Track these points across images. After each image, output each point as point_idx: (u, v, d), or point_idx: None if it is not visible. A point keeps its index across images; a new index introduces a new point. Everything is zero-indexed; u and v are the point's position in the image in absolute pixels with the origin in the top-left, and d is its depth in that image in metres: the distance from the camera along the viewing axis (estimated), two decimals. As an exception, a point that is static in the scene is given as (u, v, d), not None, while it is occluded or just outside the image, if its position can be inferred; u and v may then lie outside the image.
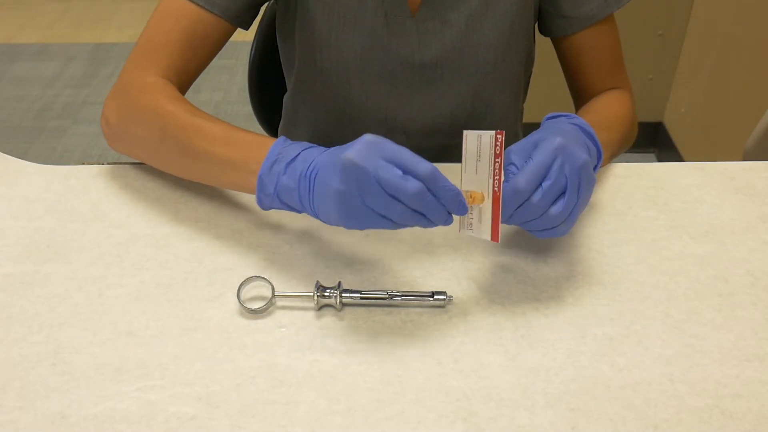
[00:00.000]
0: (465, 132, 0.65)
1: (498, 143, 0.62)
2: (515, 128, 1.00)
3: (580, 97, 0.98)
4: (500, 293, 0.70)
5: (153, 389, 0.60)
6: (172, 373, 0.61)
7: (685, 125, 2.23)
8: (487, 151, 0.63)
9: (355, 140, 0.62)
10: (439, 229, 0.77)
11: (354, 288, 0.68)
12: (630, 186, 0.85)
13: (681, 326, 0.67)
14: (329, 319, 0.67)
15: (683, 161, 1.75)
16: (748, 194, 0.84)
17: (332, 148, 0.65)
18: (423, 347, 0.64)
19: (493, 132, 0.62)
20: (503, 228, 0.78)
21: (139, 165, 0.86)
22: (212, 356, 0.63)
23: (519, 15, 0.88)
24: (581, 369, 0.62)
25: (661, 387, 0.61)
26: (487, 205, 0.63)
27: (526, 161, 0.65)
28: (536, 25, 0.95)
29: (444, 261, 0.73)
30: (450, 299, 0.67)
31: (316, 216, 0.65)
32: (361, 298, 0.67)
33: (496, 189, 0.63)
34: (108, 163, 0.87)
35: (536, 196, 0.63)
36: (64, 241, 0.75)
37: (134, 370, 0.62)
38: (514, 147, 0.67)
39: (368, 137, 0.61)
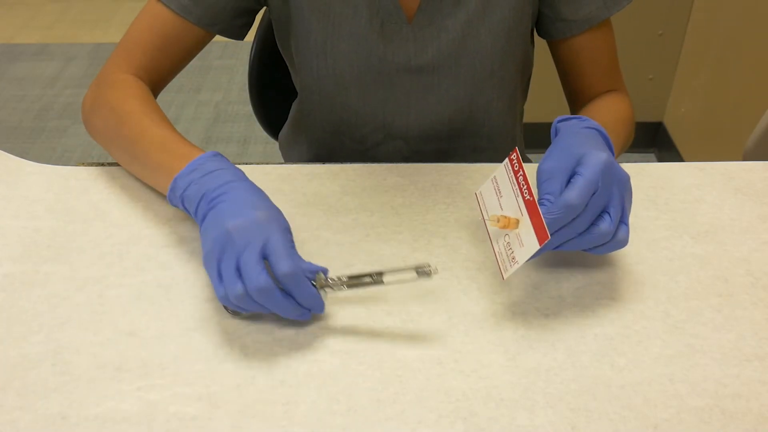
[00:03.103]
0: (477, 193, 0.70)
1: (514, 161, 0.65)
2: (513, 132, 1.00)
3: (577, 99, 0.98)
4: (500, 293, 0.70)
5: (153, 389, 0.60)
6: (172, 373, 0.61)
7: (685, 125, 2.23)
8: (507, 178, 0.66)
9: (255, 205, 0.65)
10: (439, 230, 0.77)
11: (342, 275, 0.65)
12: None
13: (681, 326, 0.67)
14: (329, 319, 0.67)
15: (683, 161, 1.75)
16: (748, 194, 0.84)
17: (240, 189, 0.67)
18: (423, 347, 0.64)
19: (506, 160, 0.66)
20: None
21: (140, 165, 0.86)
22: (213, 356, 0.63)
23: (516, 20, 0.88)
24: (581, 369, 0.62)
25: (661, 387, 0.61)
26: (525, 221, 0.63)
27: (572, 176, 0.64)
28: (534, 28, 0.95)
29: (444, 261, 0.73)
30: (435, 270, 0.63)
31: None
32: (348, 282, 0.64)
33: (527, 197, 0.63)
34: (108, 164, 0.87)
35: (584, 213, 0.63)
36: (65, 241, 0.75)
37: (135, 370, 0.62)
38: (548, 165, 0.65)
39: (260, 215, 0.64)
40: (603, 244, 0.66)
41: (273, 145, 1.26)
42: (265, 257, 0.62)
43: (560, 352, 0.64)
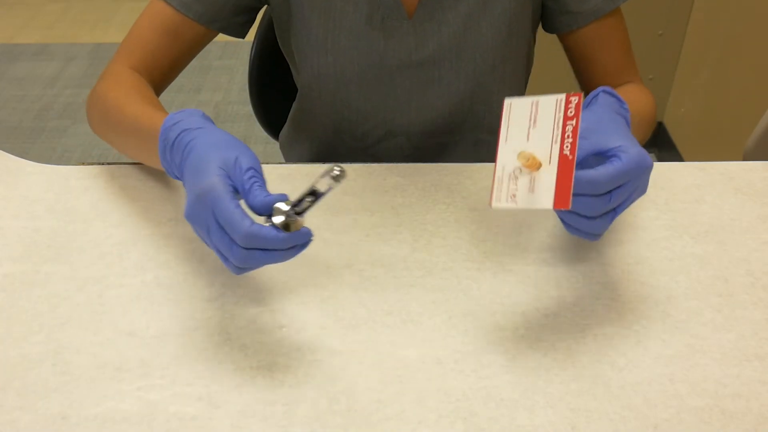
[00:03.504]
0: (506, 101, 0.61)
1: (572, 106, 0.58)
2: None
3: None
4: (500, 293, 0.70)
5: (153, 389, 0.60)
6: (172, 373, 0.61)
7: (685, 125, 2.23)
8: (552, 115, 0.58)
9: (198, 177, 0.60)
10: (439, 229, 0.77)
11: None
12: (630, 186, 0.85)
13: (681, 326, 0.67)
14: (329, 319, 0.67)
15: (683, 161, 1.75)
16: (748, 194, 0.84)
17: (189, 164, 0.62)
18: (423, 347, 0.64)
19: (560, 96, 0.58)
20: (503, 231, 0.78)
21: (139, 165, 0.86)
22: (213, 356, 0.63)
23: (516, 15, 0.88)
24: (581, 369, 0.62)
25: (661, 387, 0.61)
26: (549, 171, 0.57)
27: (606, 152, 0.61)
28: (540, 23, 0.95)
29: (444, 261, 0.73)
30: (342, 171, 0.57)
31: None
32: (298, 211, 0.59)
33: (567, 153, 0.57)
34: (108, 163, 0.87)
35: (602, 202, 0.60)
36: (65, 241, 0.75)
37: (135, 370, 0.62)
38: (584, 125, 0.61)
39: (202, 188, 0.58)
40: (584, 232, 0.63)
41: (273, 145, 1.26)
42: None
43: (560, 352, 0.64)
